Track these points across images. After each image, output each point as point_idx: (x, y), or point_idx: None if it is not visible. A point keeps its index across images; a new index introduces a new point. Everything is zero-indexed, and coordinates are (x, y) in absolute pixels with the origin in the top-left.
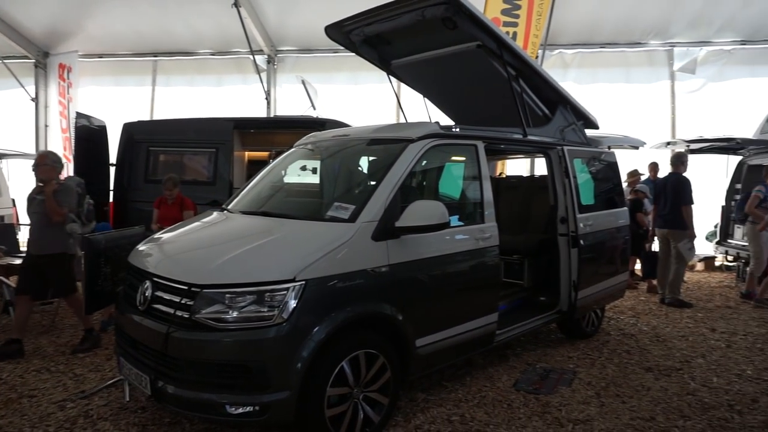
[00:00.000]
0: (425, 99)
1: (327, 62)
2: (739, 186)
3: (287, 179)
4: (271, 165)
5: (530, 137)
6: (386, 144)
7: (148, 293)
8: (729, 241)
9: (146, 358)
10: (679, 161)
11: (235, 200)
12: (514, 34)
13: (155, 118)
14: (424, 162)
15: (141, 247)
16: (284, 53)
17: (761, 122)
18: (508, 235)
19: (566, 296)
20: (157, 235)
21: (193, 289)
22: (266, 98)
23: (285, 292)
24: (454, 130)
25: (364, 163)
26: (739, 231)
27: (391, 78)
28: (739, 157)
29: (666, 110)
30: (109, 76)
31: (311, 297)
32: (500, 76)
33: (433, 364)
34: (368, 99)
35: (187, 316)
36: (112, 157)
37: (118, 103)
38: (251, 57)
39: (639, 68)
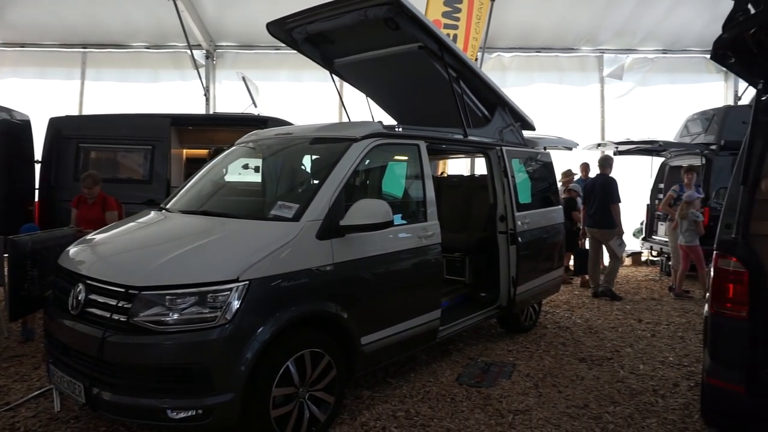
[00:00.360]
0: (368, 98)
1: (268, 59)
2: (662, 186)
3: (228, 178)
4: (211, 163)
5: (470, 138)
6: (330, 143)
7: (81, 297)
8: (654, 237)
9: (80, 364)
10: (606, 163)
11: (174, 199)
12: (455, 36)
13: (85, 113)
14: (368, 161)
15: (72, 248)
16: (224, 49)
17: (681, 126)
18: (450, 233)
19: (506, 292)
20: (89, 237)
21: (130, 291)
22: (205, 95)
23: (228, 292)
24: (397, 129)
25: (307, 162)
26: (662, 228)
27: (334, 77)
28: (662, 159)
29: (596, 113)
30: (33, 68)
31: (255, 297)
32: (441, 77)
33: (379, 361)
34: (310, 97)
35: (124, 319)
36: (37, 154)
37: (43, 96)
38: (189, 52)
39: (572, 72)
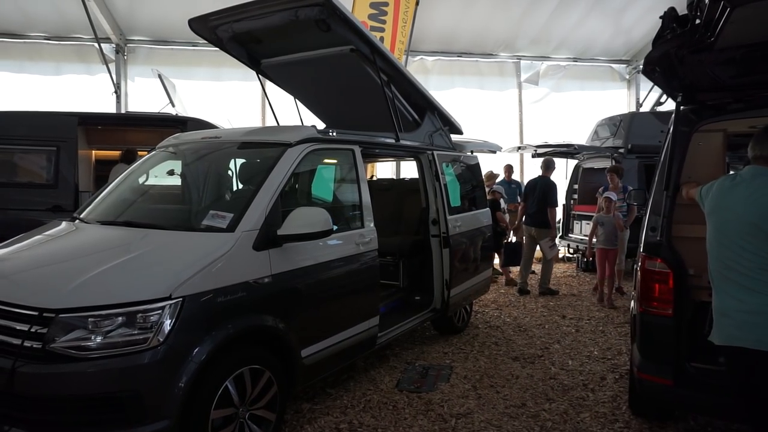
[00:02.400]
0: (296, 100)
1: (185, 56)
2: (576, 186)
3: (151, 185)
4: (130, 168)
5: (403, 142)
6: (262, 148)
7: None
8: (570, 235)
9: None
10: (548, 166)
11: (89, 208)
12: (381, 38)
13: None
14: (302, 167)
15: None
16: (135, 43)
17: (592, 130)
18: (382, 237)
19: (439, 295)
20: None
21: (45, 314)
22: (115, 92)
23: (160, 311)
24: (331, 134)
25: (237, 168)
26: (577, 226)
27: (261, 78)
28: (575, 161)
29: (515, 117)
30: None
31: (190, 315)
32: (373, 81)
33: (320, 372)
34: (231, 97)
35: (38, 346)
36: None
37: None
38: (96, 45)
39: (491, 77)
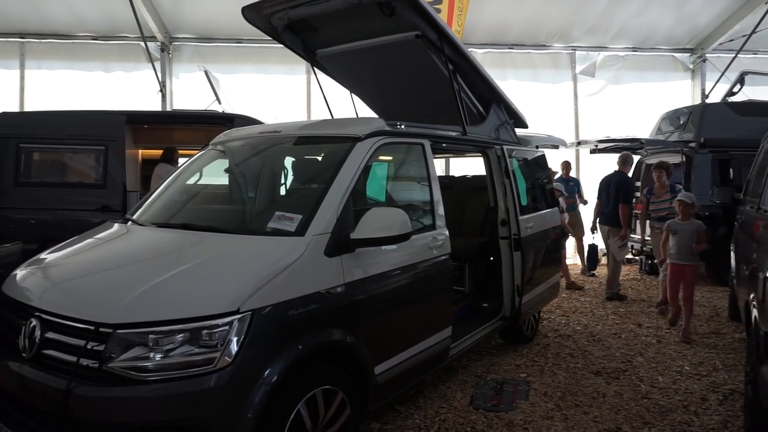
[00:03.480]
0: (352, 94)
1: (230, 53)
2: (638, 183)
3: (206, 184)
4: (182, 166)
5: (471, 136)
6: (328, 142)
7: (35, 336)
8: (631, 236)
9: (35, 422)
10: (625, 161)
11: (142, 209)
12: None
13: (27, 109)
14: (372, 163)
15: (19, 272)
16: (181, 41)
17: (656, 123)
18: None
19: (509, 302)
20: (42, 256)
21: (102, 329)
22: (161, 90)
23: (227, 327)
24: (399, 127)
25: (301, 164)
26: (639, 226)
27: (315, 70)
28: (637, 157)
29: (569, 110)
30: None
31: (260, 331)
32: (437, 70)
33: (393, 391)
34: (276, 93)
35: (95, 365)
36: None
37: None
38: (142, 44)
39: (544, 69)
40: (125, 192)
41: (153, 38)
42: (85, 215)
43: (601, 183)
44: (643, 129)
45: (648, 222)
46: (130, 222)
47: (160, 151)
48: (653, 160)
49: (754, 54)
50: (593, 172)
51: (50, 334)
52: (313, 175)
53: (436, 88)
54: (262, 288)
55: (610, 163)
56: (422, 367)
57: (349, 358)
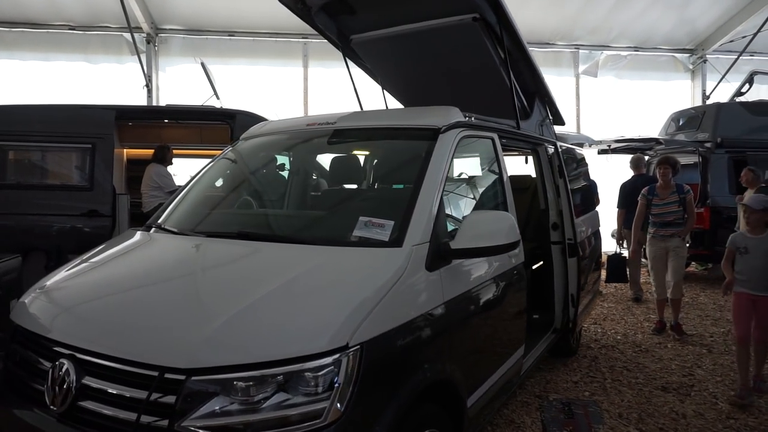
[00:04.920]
0: (383, 85)
1: (221, 46)
2: None
3: (251, 184)
4: (211, 165)
5: (525, 131)
6: (402, 136)
7: (70, 382)
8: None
9: None
10: (641, 164)
11: (174, 215)
12: None
13: None
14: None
15: (34, 295)
16: (168, 33)
17: (666, 123)
18: None
19: (560, 312)
20: (61, 274)
21: (169, 375)
22: (147, 85)
23: (335, 367)
24: (469, 118)
25: (372, 160)
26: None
27: (347, 59)
28: (646, 157)
29: (571, 109)
30: None
31: (372, 370)
32: (489, 57)
33: (480, 424)
34: (271, 88)
35: (164, 424)
36: None
37: None
38: (125, 35)
39: (546, 68)
40: (114, 195)
41: (138, 29)
42: (71, 221)
43: (626, 189)
44: (645, 128)
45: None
46: (161, 231)
47: (147, 151)
48: None
49: (751, 56)
50: (598, 173)
51: (90, 381)
52: (388, 172)
53: (484, 78)
54: (369, 315)
55: (610, 165)
56: (503, 392)
57: (448, 393)
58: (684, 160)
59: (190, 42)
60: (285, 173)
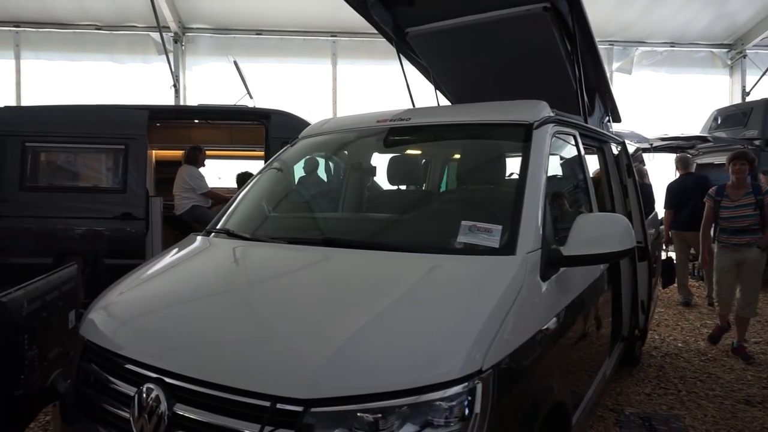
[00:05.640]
0: (436, 82)
1: (249, 44)
2: None
3: (329, 184)
4: (271, 165)
5: (596, 128)
6: (489, 132)
7: (161, 412)
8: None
9: None
10: (689, 162)
11: (241, 219)
12: None
13: (23, 103)
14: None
15: (107, 309)
16: (195, 32)
17: (707, 120)
18: None
19: (628, 319)
20: (130, 283)
21: (283, 406)
22: (174, 85)
23: (470, 396)
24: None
25: (461, 158)
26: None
27: (400, 55)
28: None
29: None
30: None
31: (503, 396)
32: (555, 50)
33: None
34: (299, 86)
35: None
36: None
37: None
38: (152, 35)
39: None
40: (148, 197)
41: (166, 28)
42: (104, 224)
43: (674, 189)
44: (682, 125)
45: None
46: (229, 237)
47: (173, 152)
48: (706, 160)
49: None
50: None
51: (184, 410)
52: (475, 172)
53: (548, 72)
54: (498, 333)
55: (653, 165)
56: (593, 406)
57: (559, 414)
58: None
59: (217, 41)
60: (358, 174)
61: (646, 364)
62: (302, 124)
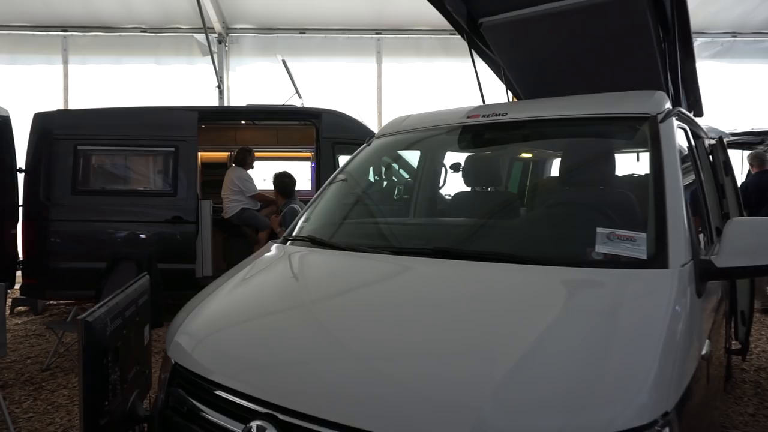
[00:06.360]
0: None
1: (292, 44)
2: None
3: (423, 187)
4: (353, 165)
5: (696, 122)
6: (604, 126)
7: None
8: None
9: None
10: (765, 159)
11: (333, 227)
12: None
13: (71, 107)
14: None
15: (197, 329)
16: (238, 32)
17: None
18: None
19: (724, 332)
20: (221, 299)
21: None
22: (218, 86)
23: None
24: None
25: (574, 156)
26: None
27: (471, 49)
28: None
29: None
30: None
31: None
32: (646, 37)
33: None
34: (344, 86)
35: None
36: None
37: (15, 87)
38: (196, 36)
39: None
40: (198, 200)
41: (210, 29)
42: (155, 228)
43: (750, 187)
44: (745, 119)
45: None
46: (315, 246)
47: (218, 154)
48: None
49: None
50: None
51: None
52: (595, 170)
53: (634, 62)
54: (674, 365)
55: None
56: None
57: None
58: None
59: (260, 41)
60: (454, 176)
61: (739, 380)
62: (353, 123)
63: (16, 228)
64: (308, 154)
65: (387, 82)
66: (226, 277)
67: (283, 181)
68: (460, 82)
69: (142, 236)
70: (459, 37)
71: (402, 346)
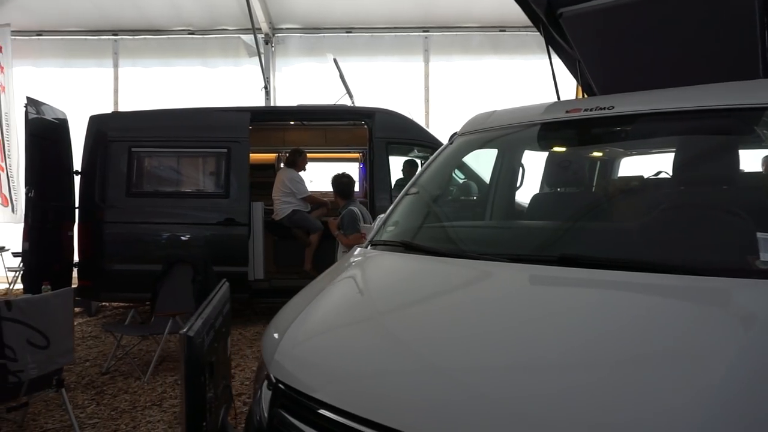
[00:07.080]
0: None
1: (338, 43)
2: None
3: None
4: (440, 163)
5: None
6: (734, 120)
7: None
8: None
9: None
10: None
11: (422, 230)
12: None
13: (121, 109)
14: None
15: (307, 344)
16: (285, 32)
17: None
18: None
19: None
20: (322, 310)
21: None
22: (265, 87)
23: None
24: None
25: (683, 152)
26: None
27: (548, 43)
28: None
29: None
30: (53, 58)
31: None
32: (750, 28)
33: None
34: (391, 85)
35: None
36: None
37: (68, 91)
38: (242, 37)
39: None
40: (250, 202)
41: (258, 30)
42: (208, 230)
43: None
44: None
45: None
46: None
47: (265, 155)
48: None
49: None
50: None
51: None
52: (732, 167)
53: (728, 52)
54: None
55: None
56: None
57: None
58: None
59: (306, 41)
60: (566, 174)
61: None
62: (407, 123)
63: (72, 230)
64: (356, 155)
65: (434, 80)
66: (315, 286)
67: (342, 182)
68: (509, 80)
69: (195, 239)
70: (508, 34)
71: (553, 375)
